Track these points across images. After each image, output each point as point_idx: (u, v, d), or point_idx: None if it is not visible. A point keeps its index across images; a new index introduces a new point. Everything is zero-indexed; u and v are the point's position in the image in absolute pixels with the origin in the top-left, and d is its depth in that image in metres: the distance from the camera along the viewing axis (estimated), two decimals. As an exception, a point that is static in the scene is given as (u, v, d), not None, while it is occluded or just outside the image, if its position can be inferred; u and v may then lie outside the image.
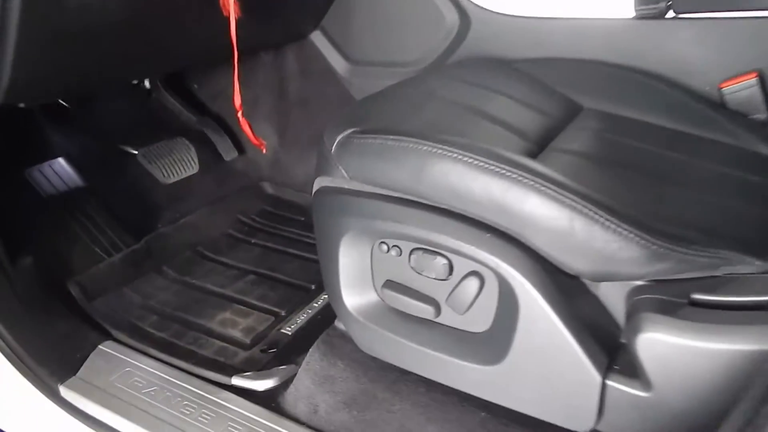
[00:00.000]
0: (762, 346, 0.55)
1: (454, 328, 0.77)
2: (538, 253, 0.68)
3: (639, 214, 0.66)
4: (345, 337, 0.91)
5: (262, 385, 0.90)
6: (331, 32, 1.39)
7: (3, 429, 1.00)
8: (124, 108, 1.46)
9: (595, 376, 0.66)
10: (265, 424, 0.84)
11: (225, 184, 1.46)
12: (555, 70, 1.12)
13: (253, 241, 1.32)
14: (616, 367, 0.67)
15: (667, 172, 0.83)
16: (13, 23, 0.77)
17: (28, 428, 0.98)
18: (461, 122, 0.85)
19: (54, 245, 1.14)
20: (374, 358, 0.86)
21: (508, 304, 0.71)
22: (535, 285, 0.68)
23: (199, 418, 0.86)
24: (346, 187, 0.78)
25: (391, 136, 0.74)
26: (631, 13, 1.10)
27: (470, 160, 0.68)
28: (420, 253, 0.75)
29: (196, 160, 1.41)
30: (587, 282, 0.71)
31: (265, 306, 1.10)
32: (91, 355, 0.96)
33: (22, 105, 0.96)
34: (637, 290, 0.67)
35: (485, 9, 1.23)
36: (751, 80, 1.01)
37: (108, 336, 1.01)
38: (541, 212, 0.65)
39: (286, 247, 1.28)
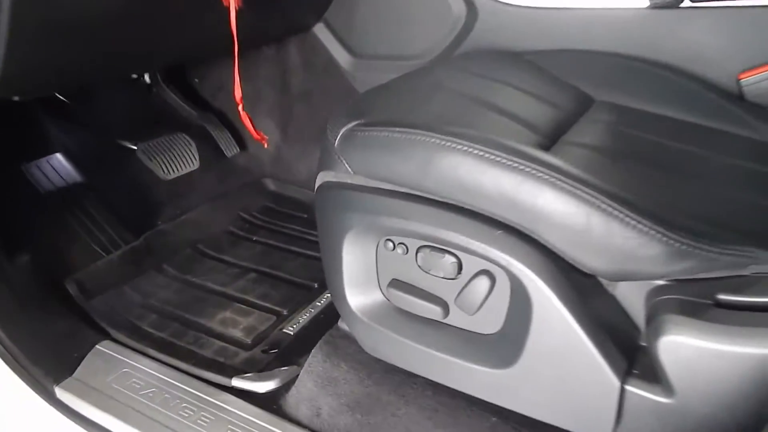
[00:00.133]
0: (794, 350, 0.52)
1: (463, 330, 0.74)
2: (552, 251, 0.65)
3: (659, 209, 0.63)
4: (348, 338, 0.88)
5: (263, 386, 0.88)
6: (334, 25, 1.36)
7: (-3, 431, 0.98)
8: (123, 103, 1.44)
9: (614, 381, 0.63)
10: (265, 427, 0.81)
11: (226, 180, 1.44)
12: (565, 62, 1.08)
13: (254, 238, 1.30)
14: (635, 371, 0.64)
15: (686, 166, 0.80)
16: (4, 15, 0.75)
17: (23, 430, 0.95)
18: (469, 114, 0.82)
19: (51, 242, 1.12)
20: (379, 360, 0.83)
21: (520, 304, 0.68)
22: (549, 284, 0.64)
23: (198, 421, 0.83)
24: (350, 182, 0.75)
25: (397, 129, 0.71)
26: (644, 2, 1.07)
27: (480, 153, 0.65)
28: (427, 250, 0.73)
29: (196, 156, 1.38)
30: (604, 281, 0.68)
31: (267, 305, 1.08)
32: (89, 355, 0.94)
33: (16, 98, 0.93)
34: (658, 290, 0.64)
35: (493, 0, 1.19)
36: (773, 71, 0.97)
37: (106, 335, 0.99)
38: (556, 207, 0.62)
39: (289, 244, 1.26)
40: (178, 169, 1.34)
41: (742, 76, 1.02)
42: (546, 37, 1.16)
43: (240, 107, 0.96)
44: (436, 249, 0.72)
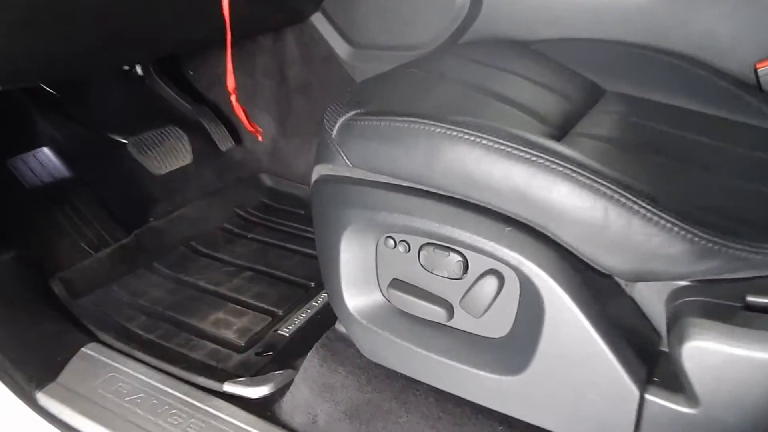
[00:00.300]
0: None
1: (469, 333, 0.71)
2: (566, 249, 0.61)
3: (681, 204, 0.59)
4: (346, 341, 0.84)
5: (256, 392, 0.85)
6: (332, 14, 1.31)
7: (-22, 438, 0.94)
8: (114, 95, 1.41)
9: (632, 390, 0.59)
10: (259, 435, 0.77)
11: (221, 175, 1.41)
12: (574, 52, 1.05)
13: (250, 235, 1.27)
14: (655, 379, 0.60)
15: (705, 159, 0.75)
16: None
17: (4, 438, 0.91)
18: (475, 104, 0.78)
19: (37, 240, 1.08)
20: (379, 365, 0.79)
21: (530, 306, 0.63)
22: (562, 285, 0.60)
23: (188, 429, 0.80)
24: (349, 175, 0.71)
25: (399, 118, 0.67)
26: (655, -12, 1.02)
27: (489, 143, 0.61)
28: (431, 249, 0.69)
29: (190, 150, 1.35)
30: (621, 282, 0.64)
31: (262, 305, 1.05)
32: (73, 359, 0.90)
33: (-1, 88, 0.88)
34: (681, 292, 0.60)
35: (498, -13, 1.15)
36: (794, 60, 0.93)
37: (92, 337, 0.95)
38: (571, 202, 0.58)
39: (285, 242, 1.24)
40: (170, 164, 1.30)
41: (759, 65, 0.98)
42: (553, 26, 1.11)
43: (233, 98, 0.92)
44: (441, 247, 0.68)
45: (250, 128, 0.98)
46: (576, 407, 0.63)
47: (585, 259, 0.61)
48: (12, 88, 1.08)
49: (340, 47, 1.31)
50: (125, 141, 1.28)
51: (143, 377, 0.88)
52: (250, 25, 1.20)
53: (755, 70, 0.98)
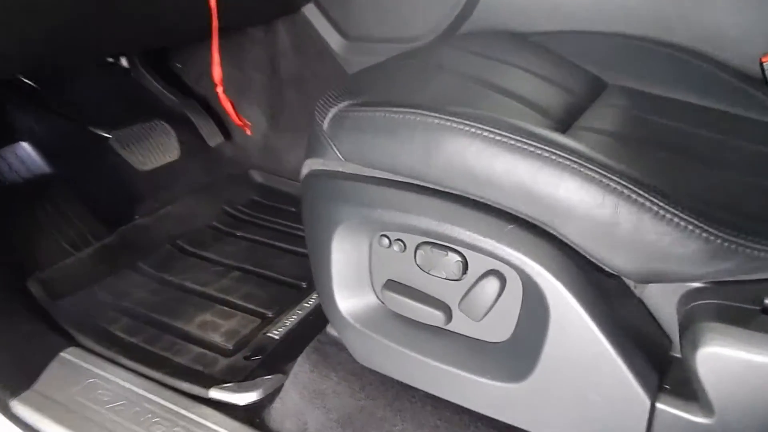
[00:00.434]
0: None
1: (468, 338, 0.67)
2: (572, 248, 0.58)
3: (694, 201, 0.55)
4: (339, 345, 0.81)
5: (244, 398, 0.82)
6: (326, 5, 1.28)
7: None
8: (98, 88, 1.37)
9: (643, 398, 0.56)
10: (246, 444, 0.74)
11: (209, 171, 1.38)
12: (575, 44, 1.02)
13: (239, 233, 1.23)
14: (666, 386, 0.57)
15: (714, 155, 0.73)
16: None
17: (-24, 448, 0.87)
18: (475, 96, 0.74)
19: (14, 238, 1.05)
20: (372, 371, 0.76)
21: (534, 309, 0.60)
22: (568, 286, 0.57)
23: (171, 438, 0.76)
24: (341, 170, 0.68)
25: (395, 108, 0.63)
26: (658, -21, 1.00)
27: (491, 136, 0.58)
28: (428, 248, 0.66)
29: (177, 145, 1.30)
30: (630, 283, 0.60)
31: (251, 306, 1.01)
32: (51, 364, 0.87)
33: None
34: (694, 294, 0.56)
35: (496, -23, 1.12)
36: (802, 53, 0.91)
37: (72, 341, 0.91)
38: (579, 198, 0.54)
39: (276, 240, 1.20)
40: (155, 159, 1.26)
41: (766, 59, 0.94)
42: (552, 18, 1.08)
43: (219, 89, 0.88)
44: (438, 246, 0.65)
45: (237, 122, 0.94)
46: (582, 416, 0.60)
47: (592, 259, 0.58)
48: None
49: (334, 40, 1.28)
50: (109, 135, 1.24)
51: (125, 383, 0.84)
52: (239, 16, 1.17)
53: (761, 64, 0.96)
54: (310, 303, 1.01)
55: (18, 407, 0.81)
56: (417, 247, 0.66)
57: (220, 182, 1.36)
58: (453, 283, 0.66)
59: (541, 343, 0.59)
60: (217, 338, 0.94)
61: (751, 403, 0.51)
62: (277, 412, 0.79)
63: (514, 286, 0.62)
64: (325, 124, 0.68)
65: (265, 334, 0.94)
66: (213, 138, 1.38)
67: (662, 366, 0.58)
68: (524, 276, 0.60)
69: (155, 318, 0.98)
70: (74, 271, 1.04)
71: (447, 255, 0.64)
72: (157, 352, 0.91)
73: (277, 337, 0.93)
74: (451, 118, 0.59)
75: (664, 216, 0.53)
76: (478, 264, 0.63)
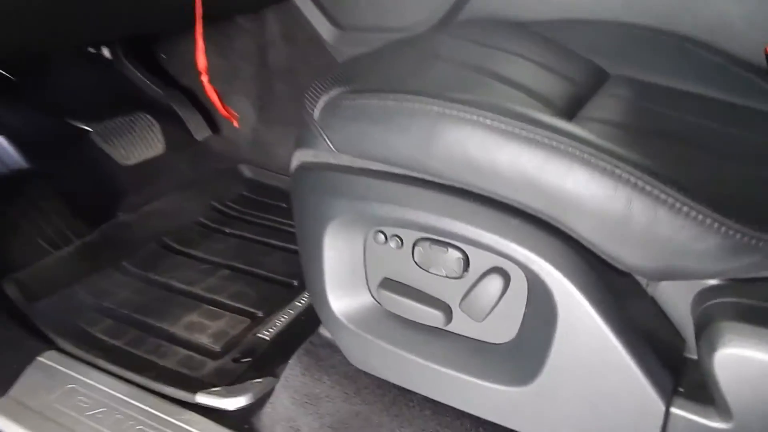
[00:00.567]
0: None
1: (470, 339, 0.65)
2: (581, 244, 0.55)
3: (711, 193, 0.52)
4: (332, 347, 0.78)
5: (232, 403, 0.78)
6: (316, -8, 1.24)
7: None
8: (78, 80, 1.32)
9: (657, 402, 0.53)
10: (235, 451, 0.71)
11: (196, 166, 1.35)
12: (575, 33, 1.00)
13: (228, 230, 1.20)
14: (681, 389, 0.54)
15: (723, 147, 0.70)
16: None
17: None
18: (474, 84, 0.71)
19: None
20: (368, 374, 0.74)
21: (540, 308, 0.57)
22: (577, 284, 0.54)
23: (155, 446, 0.73)
24: (333, 161, 0.65)
25: (391, 95, 0.60)
26: (661, -33, 0.97)
27: (495, 124, 0.54)
28: (427, 244, 0.63)
29: (162, 139, 1.28)
30: (642, 281, 0.58)
31: (240, 306, 0.98)
32: (28, 369, 0.83)
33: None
34: (710, 292, 0.54)
35: (493, -37, 1.09)
36: (809, 42, 0.89)
37: (50, 345, 0.88)
38: (589, 190, 0.51)
39: (267, 237, 1.17)
40: (140, 154, 1.23)
41: (771, 48, 0.93)
42: (552, 7, 1.06)
43: (204, 78, 0.83)
44: (438, 242, 0.62)
45: (224, 113, 0.90)
46: (592, 422, 0.57)
47: (602, 256, 0.55)
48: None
49: (325, 29, 1.24)
50: (89, 129, 1.20)
51: (107, 389, 0.81)
52: (225, 2, 1.13)
53: (766, 54, 0.94)
54: (302, 302, 0.98)
55: (-8, 415, 0.77)
56: (415, 244, 0.64)
57: (208, 177, 1.34)
58: (453, 281, 0.63)
59: (548, 344, 0.56)
60: (204, 340, 0.91)
61: (772, 408, 0.48)
62: (267, 418, 0.75)
63: (519, 284, 0.60)
64: (316, 114, 0.65)
65: (254, 335, 0.91)
66: (200, 131, 1.35)
67: (676, 368, 0.55)
68: (530, 273, 0.57)
69: (139, 319, 0.95)
70: (53, 270, 1.01)
71: (447, 251, 0.62)
72: (140, 355, 0.88)
73: (267, 338, 0.91)
74: (452, 105, 0.56)
75: (680, 209, 0.50)
76: (480, 261, 0.61)
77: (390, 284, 0.67)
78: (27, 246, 1.02)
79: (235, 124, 0.99)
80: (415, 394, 0.71)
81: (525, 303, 0.60)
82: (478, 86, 0.70)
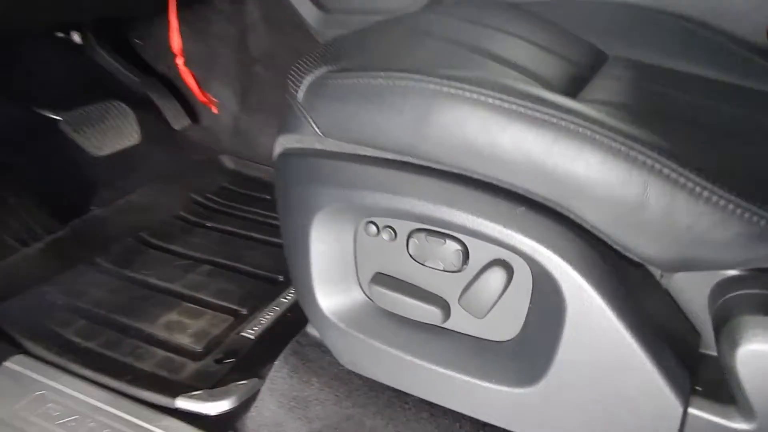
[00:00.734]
0: None
1: (469, 337, 0.62)
2: (591, 233, 0.51)
3: (732, 177, 0.49)
4: (321, 347, 0.75)
5: (215, 407, 0.76)
6: (298, -28, 1.21)
7: None
8: (46, 66, 1.27)
9: (675, 403, 0.50)
10: (218, 459, 0.68)
11: (175, 157, 1.32)
12: (571, 13, 0.98)
13: (209, 224, 1.18)
14: (698, 388, 0.51)
15: (734, 129, 0.67)
16: None
17: None
18: (471, 63, 0.67)
19: None
20: (360, 376, 0.70)
21: (547, 303, 0.54)
22: (587, 277, 0.50)
23: (132, 457, 0.70)
24: (319, 146, 0.61)
25: (382, 73, 0.55)
26: (661, -56, 0.96)
27: (497, 102, 0.51)
28: (422, 235, 0.60)
29: (137, 129, 1.24)
30: (656, 272, 0.54)
31: (223, 303, 0.96)
32: None
33: None
34: (730, 283, 0.51)
35: (485, -61, 1.05)
36: (811, 21, 0.89)
37: (18, 348, 0.84)
38: (602, 174, 0.48)
39: (250, 230, 1.15)
40: (113, 144, 1.19)
41: (773, 28, 0.92)
42: (547, -15, 1.02)
43: (179, 60, 0.78)
44: (434, 233, 0.59)
45: (202, 98, 0.85)
46: (603, 425, 0.54)
47: (615, 246, 0.51)
48: None
49: (308, 11, 1.20)
50: (58, 118, 1.16)
51: (79, 395, 0.77)
52: (202, -17, 1.08)
53: None
54: (288, 298, 0.96)
55: (-47, 426, 0.72)
56: (409, 235, 0.61)
57: (187, 169, 1.31)
58: (452, 275, 0.60)
59: (556, 342, 0.53)
60: (184, 340, 0.88)
61: (799, 407, 0.45)
62: (252, 422, 0.72)
63: (522, 277, 0.56)
64: (300, 95, 0.61)
65: (238, 334, 0.88)
66: (178, 120, 1.31)
67: (693, 365, 0.52)
68: (535, 266, 0.54)
69: (115, 319, 0.92)
70: (21, 269, 0.97)
71: (444, 243, 0.58)
72: (116, 357, 0.84)
73: (251, 336, 0.88)
74: (449, 82, 0.52)
75: (701, 194, 0.46)
76: (480, 253, 0.57)
77: (383, 279, 0.64)
78: (-8, 243, 0.98)
79: (214, 110, 0.94)
80: (410, 395, 0.68)
81: (529, 298, 0.56)
82: (474, 65, 0.67)
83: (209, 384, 0.79)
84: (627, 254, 0.51)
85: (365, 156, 0.59)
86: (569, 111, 0.49)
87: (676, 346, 0.51)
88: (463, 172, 0.54)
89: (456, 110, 0.51)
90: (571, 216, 0.51)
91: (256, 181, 1.32)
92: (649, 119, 0.64)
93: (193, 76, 0.82)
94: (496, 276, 0.56)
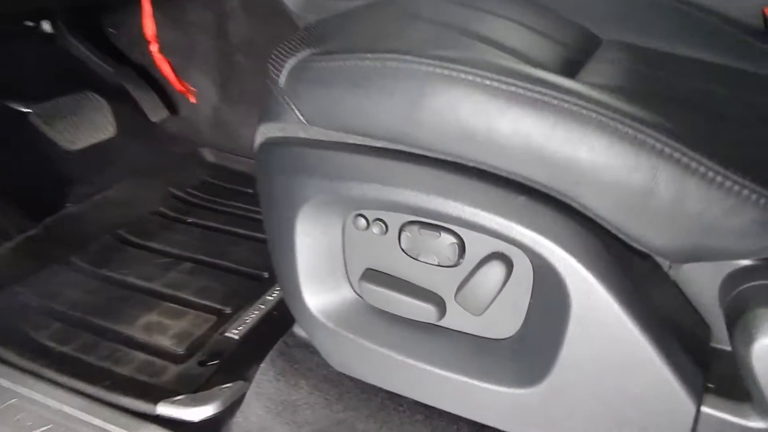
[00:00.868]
0: None
1: (466, 335, 0.59)
2: (597, 223, 0.49)
3: (744, 161, 0.47)
4: (310, 347, 0.72)
5: (198, 412, 0.73)
6: (278, -45, 1.18)
7: None
8: (14, 56, 1.22)
9: (687, 402, 0.47)
10: (203, 469, 0.66)
11: (153, 150, 1.29)
12: None
13: (189, 220, 1.16)
14: (710, 385, 0.49)
15: (738, 113, 0.66)
16: None
17: None
18: (461, 45, 0.65)
19: None
20: (351, 378, 0.68)
21: (550, 298, 0.51)
22: (593, 270, 0.48)
23: (111, 468, 0.67)
24: (303, 135, 0.59)
25: (370, 55, 0.52)
26: None
27: (494, 84, 0.49)
28: (415, 228, 0.57)
29: (112, 121, 1.20)
30: (663, 263, 0.52)
31: (205, 302, 0.93)
32: None
33: None
34: (744, 273, 0.48)
35: None
36: (807, 2, 0.87)
37: None
38: (608, 159, 0.45)
39: (233, 226, 1.13)
40: (87, 137, 1.15)
41: (768, 9, 0.90)
42: (536, -32, 1.00)
43: (154, 48, 0.74)
44: (428, 226, 0.57)
45: (179, 86, 0.81)
46: (611, 427, 0.51)
47: (621, 236, 0.49)
48: None
49: (289, -4, 1.17)
50: (28, 110, 1.13)
51: (54, 403, 0.74)
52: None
53: (763, 15, 0.92)
54: (273, 296, 0.93)
55: None
56: (401, 228, 0.58)
57: (166, 162, 1.28)
58: (447, 270, 0.58)
59: (560, 339, 0.51)
60: (165, 342, 0.85)
61: (819, 405, 0.43)
62: (238, 428, 0.69)
63: (522, 271, 0.54)
64: (282, 80, 0.58)
65: (222, 334, 0.86)
66: (155, 112, 1.28)
67: (704, 361, 0.50)
68: (536, 259, 0.51)
69: (91, 322, 0.89)
70: None
71: (439, 236, 0.56)
72: (93, 362, 0.82)
73: (236, 337, 0.85)
74: (443, 63, 0.49)
75: (714, 179, 0.44)
76: (477, 246, 0.55)
77: (373, 275, 0.62)
78: (-42, 243, 0.95)
79: (192, 99, 0.90)
80: (404, 398, 0.66)
81: (530, 293, 0.54)
82: (465, 47, 0.64)
83: (192, 388, 0.76)
84: (633, 244, 0.49)
85: (353, 144, 0.57)
86: (571, 92, 0.47)
87: (686, 342, 0.49)
88: (459, 160, 0.52)
89: (450, 93, 0.48)
90: (575, 205, 0.49)
91: (239, 174, 1.30)
92: (651, 103, 0.62)
93: (169, 63, 0.79)
94: (495, 270, 0.54)
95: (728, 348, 0.50)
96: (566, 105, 0.45)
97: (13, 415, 0.72)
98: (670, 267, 0.51)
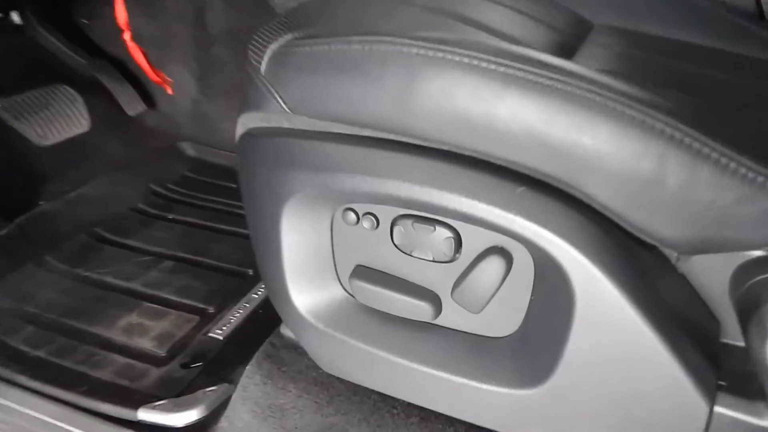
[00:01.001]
0: None
1: (464, 333, 0.57)
2: (602, 214, 0.47)
3: (756, 147, 0.45)
4: (298, 348, 0.70)
5: (182, 417, 0.71)
6: (257, -60, 1.14)
7: None
8: None
9: (700, 402, 0.45)
10: (187, 478, 0.64)
11: (130, 145, 1.26)
12: None
13: (170, 216, 1.14)
14: (722, 383, 0.47)
15: (740, 98, 0.64)
16: None
17: None
18: (453, 30, 0.62)
19: None
20: (342, 380, 0.66)
21: (552, 294, 0.49)
22: (599, 264, 0.45)
23: (89, 479, 0.65)
24: (287, 125, 0.56)
25: (357, 38, 0.49)
26: None
27: (492, 66, 0.46)
28: (408, 222, 0.55)
29: (86, 115, 1.18)
30: (671, 255, 0.49)
31: (187, 302, 0.92)
32: None
33: None
34: (756, 265, 0.46)
35: None
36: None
37: None
38: (614, 146, 0.43)
39: (215, 221, 1.11)
40: (59, 132, 1.13)
41: (762, -8, 0.91)
42: (525, -50, 0.98)
43: (126, 36, 0.70)
44: (422, 219, 0.54)
45: (154, 77, 0.78)
46: (619, 429, 0.49)
47: (627, 227, 0.47)
48: None
49: (270, -16, 1.14)
50: None
51: (27, 410, 0.73)
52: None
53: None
54: (258, 293, 0.92)
55: None
56: (394, 222, 0.56)
57: (144, 157, 1.26)
58: (443, 266, 0.55)
59: (563, 337, 0.48)
60: (146, 344, 0.83)
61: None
62: None
63: (523, 266, 0.52)
64: (263, 67, 0.55)
65: (205, 335, 0.84)
66: (132, 106, 1.25)
67: (715, 357, 0.48)
68: (537, 253, 0.49)
69: (68, 324, 0.87)
70: None
71: (434, 230, 0.54)
72: (70, 367, 0.79)
73: (220, 337, 0.84)
74: (435, 46, 0.46)
75: (727, 166, 0.42)
76: (475, 240, 0.53)
77: (364, 273, 0.60)
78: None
79: (169, 90, 0.87)
80: (398, 399, 0.63)
81: (531, 289, 0.52)
82: (458, 30, 0.61)
83: (174, 392, 0.75)
84: (640, 236, 0.46)
85: (340, 134, 0.54)
86: (574, 75, 0.44)
87: (696, 337, 0.47)
88: (454, 149, 0.49)
89: (444, 77, 0.45)
90: (578, 195, 0.46)
91: (220, 168, 1.28)
92: (652, 88, 0.60)
93: (144, 53, 0.76)
94: (493, 265, 0.51)
95: (739, 343, 0.48)
96: (569, 89, 0.42)
97: (-15, 426, 0.69)
98: (678, 259, 0.49)
